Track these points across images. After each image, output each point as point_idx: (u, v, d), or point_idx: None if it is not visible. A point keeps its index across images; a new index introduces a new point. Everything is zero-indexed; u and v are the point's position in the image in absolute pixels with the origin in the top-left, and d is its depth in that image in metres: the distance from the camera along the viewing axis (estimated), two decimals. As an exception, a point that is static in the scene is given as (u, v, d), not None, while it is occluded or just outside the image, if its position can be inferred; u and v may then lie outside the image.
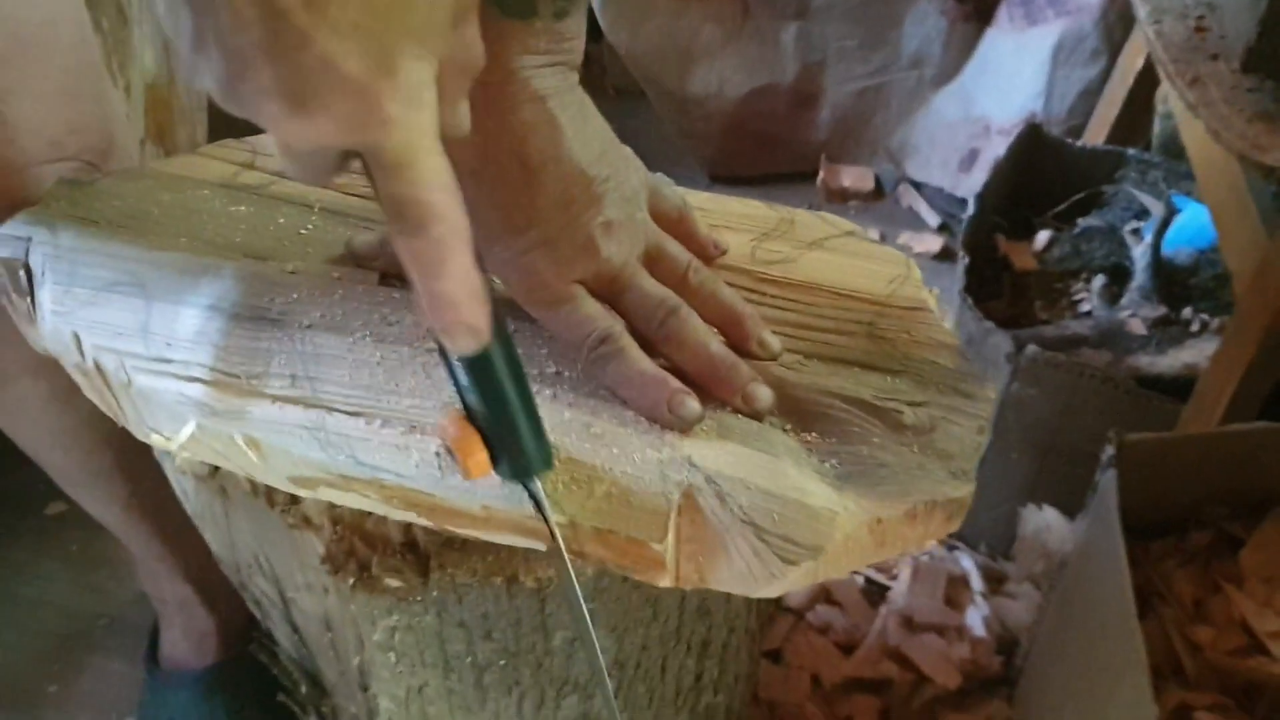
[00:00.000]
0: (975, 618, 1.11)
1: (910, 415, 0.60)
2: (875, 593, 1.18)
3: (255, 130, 0.77)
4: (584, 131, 0.59)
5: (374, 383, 0.58)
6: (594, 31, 1.64)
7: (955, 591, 1.15)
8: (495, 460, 0.52)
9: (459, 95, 0.48)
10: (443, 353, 0.50)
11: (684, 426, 0.57)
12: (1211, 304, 1.12)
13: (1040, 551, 1.07)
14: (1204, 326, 1.09)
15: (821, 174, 1.73)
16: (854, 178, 1.73)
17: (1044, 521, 1.07)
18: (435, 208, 0.44)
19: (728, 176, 1.75)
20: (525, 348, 0.61)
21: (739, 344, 0.62)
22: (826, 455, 0.57)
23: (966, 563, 1.18)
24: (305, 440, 0.55)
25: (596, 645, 0.55)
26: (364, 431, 0.55)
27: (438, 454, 0.54)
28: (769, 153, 1.74)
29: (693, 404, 0.57)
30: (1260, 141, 0.80)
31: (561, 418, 0.57)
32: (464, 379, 0.50)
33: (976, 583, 1.15)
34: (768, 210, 0.76)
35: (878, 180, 1.74)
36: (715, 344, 0.60)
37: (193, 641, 1.05)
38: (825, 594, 1.18)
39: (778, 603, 1.16)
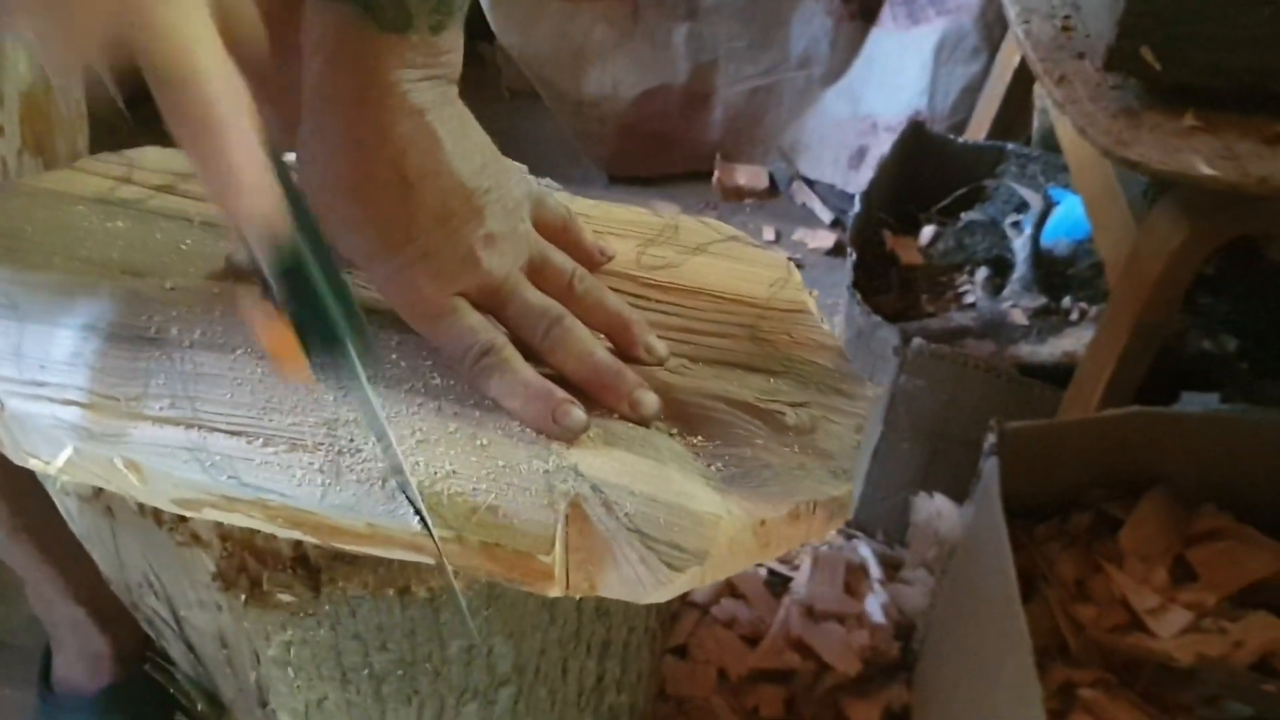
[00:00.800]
0: (874, 605, 1.14)
1: (792, 416, 0.62)
2: (778, 584, 1.20)
3: (135, 143, 0.77)
4: (464, 145, 0.59)
5: (255, 401, 0.58)
6: (487, 34, 1.64)
7: (855, 580, 1.17)
8: (309, 352, 0.51)
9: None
10: (247, 250, 0.50)
11: (570, 436, 0.57)
12: (1090, 293, 1.16)
13: (933, 538, 1.10)
14: (1083, 315, 1.13)
15: (717, 173, 1.75)
16: (748, 176, 1.75)
17: (935, 509, 1.10)
18: (202, 71, 0.44)
19: (625, 177, 1.77)
20: (409, 359, 0.61)
21: (626, 350, 0.63)
22: (712, 458, 0.58)
23: (865, 551, 1.20)
24: (187, 462, 0.54)
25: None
26: (246, 451, 0.55)
27: (320, 469, 0.55)
28: (665, 153, 1.75)
29: (578, 413, 0.57)
30: (1123, 137, 0.84)
31: (446, 430, 0.57)
32: (268, 271, 0.50)
33: (875, 571, 1.18)
34: (652, 216, 0.77)
35: (772, 178, 1.77)
36: (600, 351, 0.61)
37: (86, 664, 1.03)
38: (730, 588, 1.19)
39: (683, 598, 1.18)
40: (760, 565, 1.21)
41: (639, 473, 0.56)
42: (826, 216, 1.71)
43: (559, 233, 0.67)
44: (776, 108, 1.70)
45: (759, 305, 0.70)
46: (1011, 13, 0.98)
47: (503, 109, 1.81)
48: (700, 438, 0.60)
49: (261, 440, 0.56)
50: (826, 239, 1.68)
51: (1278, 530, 0.94)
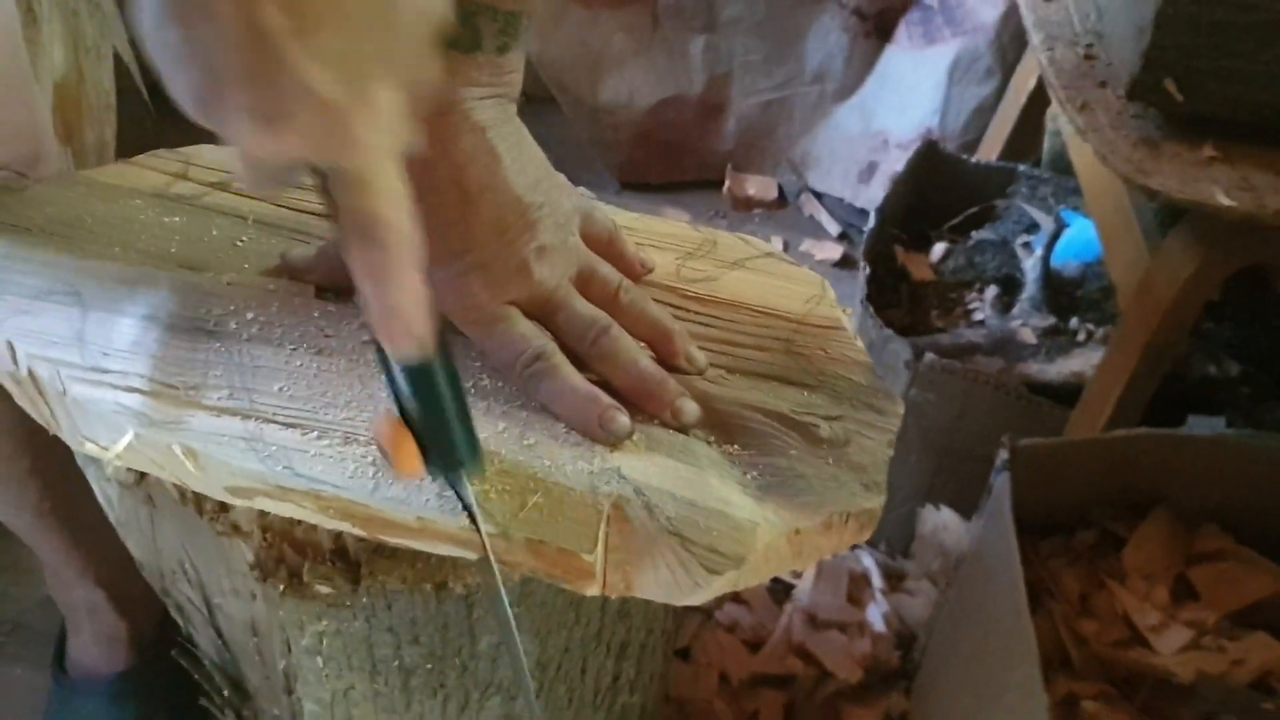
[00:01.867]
0: (875, 614, 1.16)
1: (826, 429, 0.63)
2: (781, 591, 1.22)
3: (183, 140, 0.78)
4: (520, 160, 0.61)
5: (311, 394, 0.59)
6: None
7: (857, 589, 1.19)
8: (427, 460, 0.53)
9: (417, 118, 0.51)
10: (383, 359, 0.52)
11: (614, 441, 0.59)
12: (1098, 315, 1.18)
13: (937, 550, 1.12)
14: (1090, 336, 1.16)
15: (728, 182, 1.77)
16: (758, 187, 1.77)
17: (941, 521, 1.12)
18: (392, 222, 0.46)
19: (637, 183, 1.79)
20: (460, 361, 0.63)
21: (667, 359, 0.65)
22: (748, 467, 0.60)
23: (868, 561, 1.22)
24: (243, 451, 0.56)
25: (520, 648, 0.57)
26: (301, 443, 0.57)
27: (373, 463, 0.56)
28: (677, 161, 1.77)
29: (623, 419, 0.59)
30: (1144, 166, 0.86)
31: (496, 429, 0.59)
32: (403, 386, 0.52)
33: (877, 580, 1.19)
34: (692, 231, 0.79)
35: (781, 190, 1.79)
36: (644, 360, 0.63)
37: (102, 647, 1.04)
38: (733, 593, 1.21)
39: (687, 602, 1.20)
40: (765, 571, 1.23)
41: (679, 478, 0.58)
42: (834, 229, 1.73)
43: (604, 245, 0.69)
44: (789, 121, 1.72)
45: (795, 320, 0.72)
46: (1035, 39, 1.01)
47: (519, 112, 1.82)
48: (737, 446, 0.61)
49: (316, 433, 0.57)
50: (834, 251, 1.70)
51: (1278, 553, 0.96)
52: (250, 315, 0.64)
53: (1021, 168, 1.34)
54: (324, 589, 0.62)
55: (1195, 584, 0.93)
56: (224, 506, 0.61)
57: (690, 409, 0.61)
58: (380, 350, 0.51)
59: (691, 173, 1.78)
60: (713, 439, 0.62)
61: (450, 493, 0.55)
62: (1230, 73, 0.86)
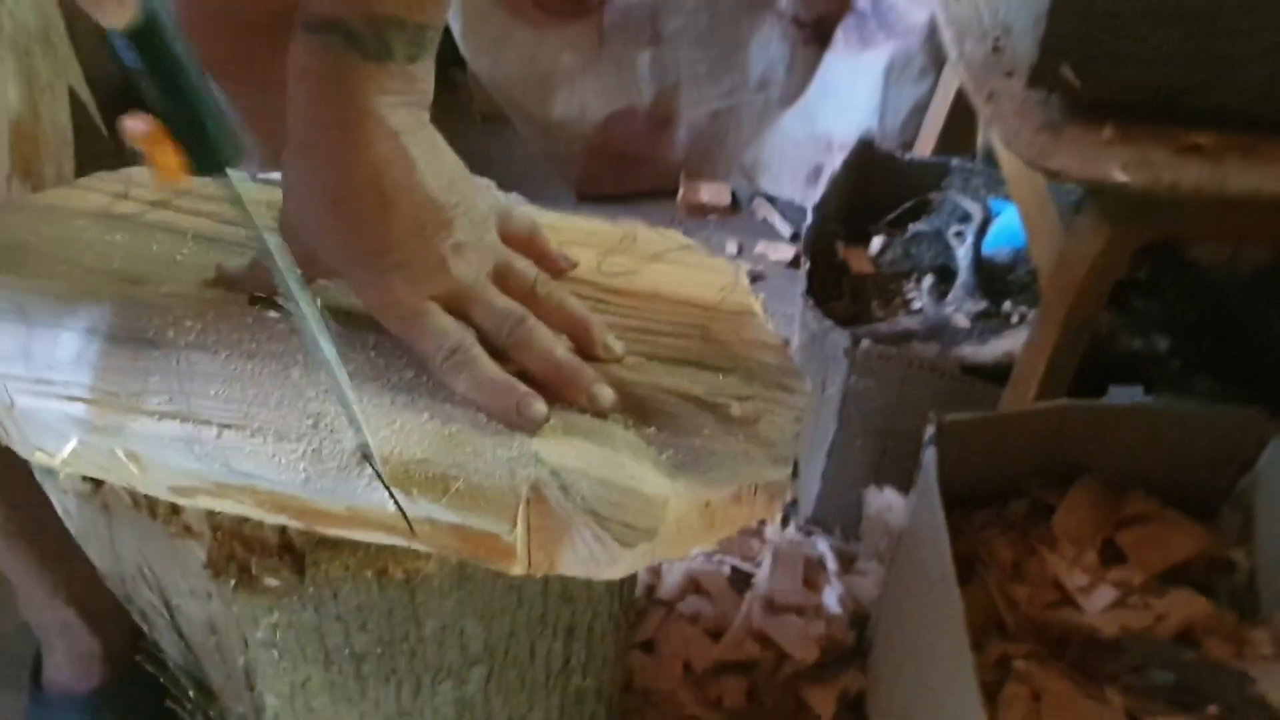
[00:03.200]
0: (831, 596, 1.19)
1: (737, 408, 0.67)
2: (741, 580, 1.25)
3: (127, 163, 0.82)
4: (434, 163, 0.65)
5: (244, 396, 0.63)
6: (459, 60, 1.70)
7: (813, 573, 1.23)
8: (190, 155, 0.56)
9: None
10: (114, 46, 0.53)
11: (532, 427, 0.63)
12: (1028, 297, 1.22)
13: (884, 530, 1.16)
14: (1022, 318, 1.20)
15: (681, 191, 1.81)
16: (712, 193, 1.82)
17: (885, 502, 1.16)
18: None
19: (594, 195, 1.83)
20: (385, 358, 0.67)
21: (585, 349, 0.69)
22: (663, 447, 0.64)
23: (822, 546, 1.26)
24: (182, 452, 0.60)
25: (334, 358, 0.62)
26: (236, 441, 0.60)
27: (303, 456, 0.60)
28: (631, 172, 1.81)
29: (539, 406, 0.63)
30: (1045, 149, 0.90)
31: (419, 421, 0.63)
32: (134, 63, 0.53)
33: (831, 564, 1.23)
34: (612, 227, 0.82)
35: (734, 195, 1.84)
36: (560, 349, 0.66)
37: (77, 665, 1.06)
38: (695, 585, 1.25)
39: (650, 595, 1.23)
40: (724, 563, 1.27)
41: (594, 459, 0.62)
42: (786, 231, 1.78)
43: (525, 243, 0.73)
44: (737, 128, 1.77)
45: (710, 308, 0.76)
46: (947, 35, 1.05)
47: (475, 132, 1.87)
48: (653, 428, 0.65)
49: (250, 432, 0.61)
50: (786, 252, 1.74)
51: (1201, 513, 1.00)
52: (188, 324, 0.67)
53: (954, 161, 1.39)
54: (273, 582, 0.65)
55: (1123, 547, 0.97)
56: (175, 509, 0.64)
57: (605, 394, 0.65)
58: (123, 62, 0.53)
59: (646, 183, 1.83)
60: (630, 422, 0.65)
61: (378, 482, 0.59)
62: (1124, 57, 0.90)
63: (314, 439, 0.61)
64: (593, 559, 0.59)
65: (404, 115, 0.64)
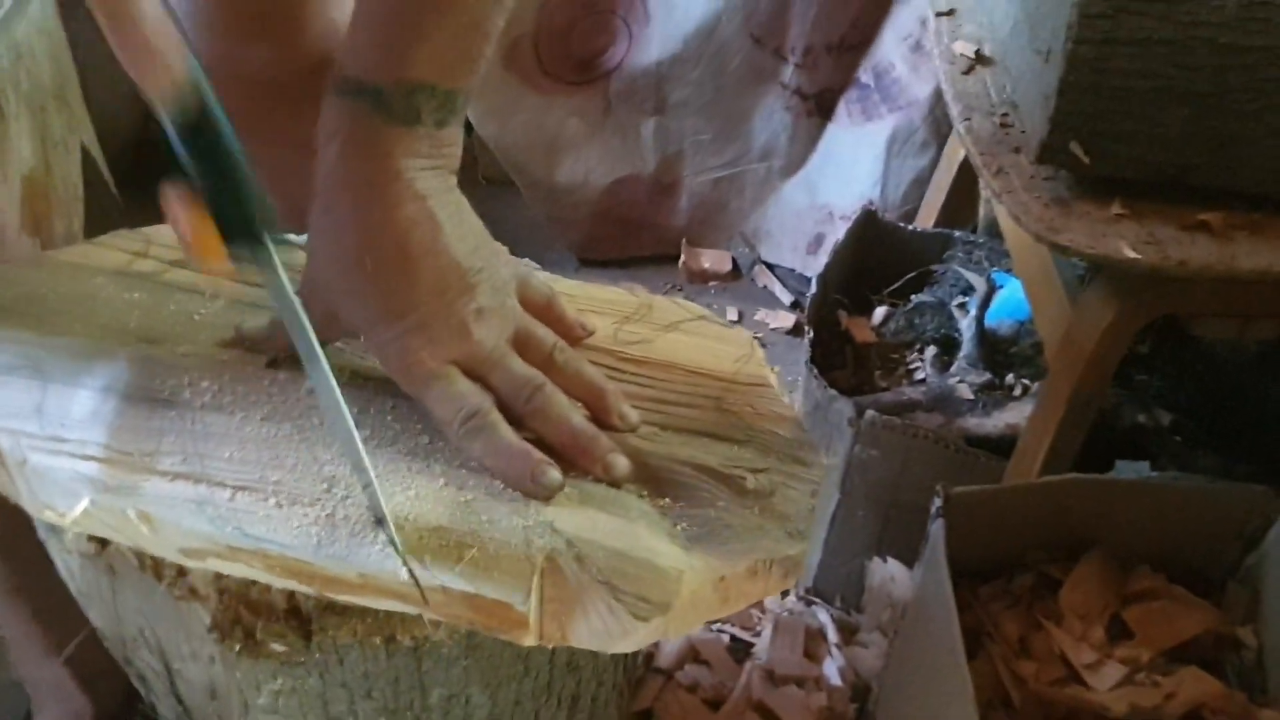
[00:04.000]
0: (831, 668, 1.18)
1: (753, 481, 0.67)
2: (740, 650, 1.24)
3: (144, 221, 0.82)
4: (460, 228, 0.65)
5: (259, 458, 0.62)
6: (465, 124, 1.71)
7: (813, 644, 1.22)
8: (224, 227, 0.56)
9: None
10: (164, 135, 0.54)
11: (546, 495, 0.62)
12: (1031, 370, 1.23)
13: (886, 601, 1.15)
14: (1025, 390, 1.20)
15: (683, 257, 1.82)
16: (713, 260, 1.83)
17: (888, 573, 1.15)
18: None
19: (596, 260, 1.84)
20: (402, 423, 0.67)
21: (600, 417, 0.68)
22: (678, 518, 0.63)
23: (823, 616, 1.25)
24: (194, 514, 0.59)
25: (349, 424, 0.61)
26: (249, 505, 0.60)
27: (316, 522, 0.59)
28: (634, 237, 1.82)
29: (554, 473, 0.63)
30: (1055, 225, 0.91)
31: (435, 487, 0.62)
32: (185, 154, 0.54)
33: (832, 635, 1.22)
34: (629, 296, 0.83)
35: (735, 262, 1.85)
36: (577, 418, 0.66)
37: (69, 724, 1.05)
38: (694, 654, 1.23)
39: (648, 663, 1.22)
40: (723, 632, 1.26)
41: (610, 530, 0.61)
42: (787, 299, 1.79)
43: (543, 309, 0.73)
44: (739, 196, 1.78)
45: (725, 379, 0.76)
46: (955, 110, 1.06)
47: (480, 194, 1.84)
48: (668, 500, 0.65)
49: (263, 495, 0.60)
50: (787, 320, 1.75)
51: (1207, 590, 1.00)
52: (204, 384, 0.67)
53: (957, 233, 1.40)
54: (278, 647, 0.64)
55: (1130, 623, 0.96)
56: (182, 571, 0.63)
57: (621, 464, 0.65)
58: (159, 116, 0.53)
59: (648, 248, 1.84)
60: (645, 493, 0.65)
61: (391, 549, 0.58)
62: (1132, 135, 0.91)
63: (328, 504, 0.61)
64: (606, 631, 0.58)
65: (431, 179, 0.64)
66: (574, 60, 1.66)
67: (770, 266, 1.83)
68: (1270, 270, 0.89)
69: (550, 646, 0.62)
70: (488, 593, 0.57)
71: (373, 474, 0.60)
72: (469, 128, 1.70)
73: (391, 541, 0.58)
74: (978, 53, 1.11)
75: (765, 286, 1.82)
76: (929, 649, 0.91)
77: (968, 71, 1.10)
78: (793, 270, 1.80)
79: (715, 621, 1.25)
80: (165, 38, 0.50)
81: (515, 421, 0.65)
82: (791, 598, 1.30)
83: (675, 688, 1.20)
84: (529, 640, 0.59)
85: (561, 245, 1.82)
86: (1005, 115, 1.04)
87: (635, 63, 1.66)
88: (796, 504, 0.66)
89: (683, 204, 1.79)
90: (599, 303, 0.81)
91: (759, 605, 1.30)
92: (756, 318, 1.76)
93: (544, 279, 0.76)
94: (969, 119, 1.04)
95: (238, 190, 0.56)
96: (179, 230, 0.56)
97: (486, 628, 0.59)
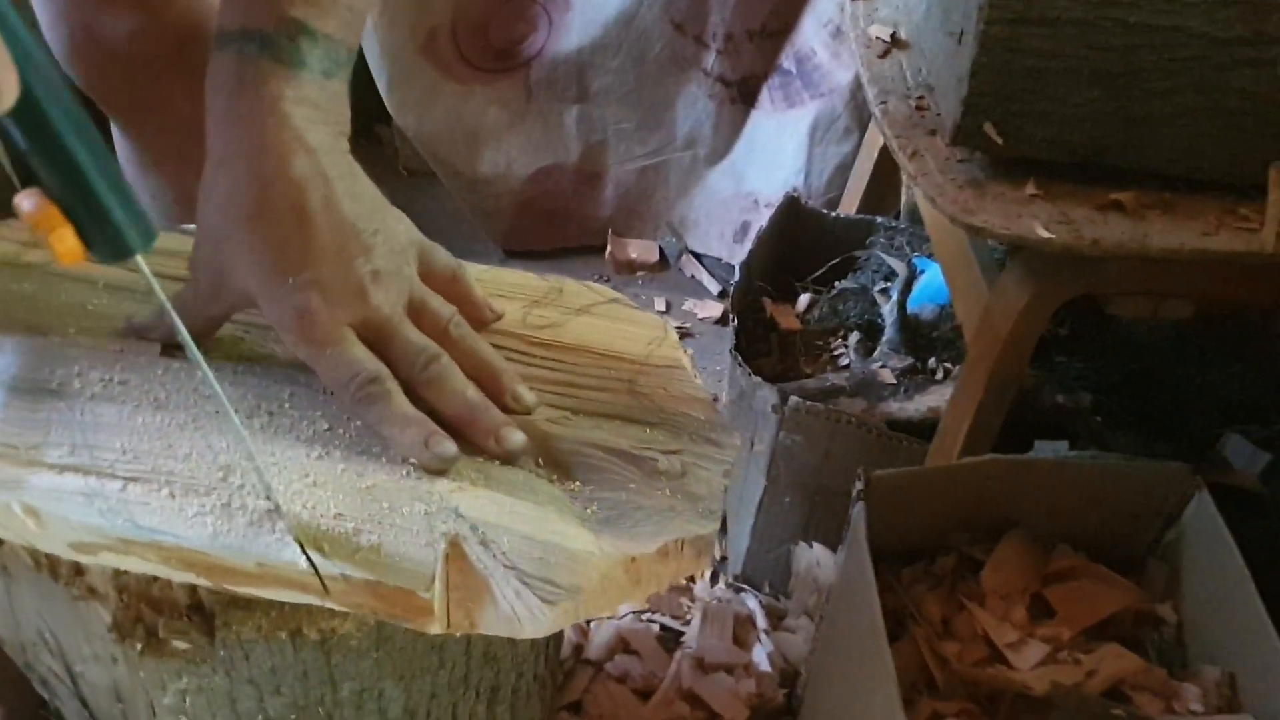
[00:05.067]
0: (761, 654, 1.18)
1: (664, 462, 0.67)
2: (670, 639, 1.23)
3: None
4: (354, 188, 0.65)
5: (152, 448, 0.61)
6: (385, 116, 1.69)
7: (742, 631, 1.21)
8: (90, 241, 0.52)
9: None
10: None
11: (441, 465, 0.62)
12: (953, 353, 1.23)
13: (813, 586, 1.15)
14: (946, 374, 1.21)
15: (609, 247, 1.81)
16: (640, 250, 1.82)
17: (814, 558, 1.15)
18: None
19: (521, 251, 1.82)
20: (299, 409, 0.65)
21: (494, 397, 0.67)
22: (588, 502, 0.63)
23: (751, 603, 1.25)
24: (84, 506, 0.57)
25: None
26: (141, 496, 0.58)
27: (212, 511, 0.58)
28: (559, 228, 1.81)
29: (449, 444, 0.62)
30: (969, 206, 0.91)
31: (334, 473, 0.61)
32: (22, 144, 0.49)
33: (761, 621, 1.22)
34: (538, 280, 0.82)
35: (662, 252, 1.84)
36: (471, 390, 0.65)
37: (-25, 737, 1.02)
38: (624, 644, 1.22)
39: (578, 655, 1.21)
40: (653, 621, 1.25)
41: (517, 514, 0.61)
42: (714, 288, 1.78)
43: (448, 283, 0.72)
44: (665, 186, 1.78)
45: (637, 362, 0.75)
46: (871, 94, 1.06)
47: (401, 187, 1.85)
48: (578, 483, 0.64)
49: (156, 485, 0.59)
50: (714, 309, 1.74)
51: (1127, 567, 1.01)
52: (95, 375, 0.65)
53: (879, 219, 1.40)
54: (181, 645, 0.63)
55: (1051, 602, 0.96)
56: (79, 570, 0.62)
57: (515, 438, 0.64)
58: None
59: (574, 239, 1.82)
60: (554, 477, 0.65)
61: (289, 537, 0.56)
62: (1045, 115, 0.92)
63: (224, 493, 0.59)
64: (515, 617, 0.57)
65: (322, 133, 0.63)
66: (493, 49, 1.64)
67: (698, 256, 1.83)
68: (1182, 249, 0.89)
69: (461, 635, 0.61)
70: (389, 580, 0.56)
71: (260, 462, 0.58)
72: (388, 120, 1.68)
73: (289, 530, 0.56)
74: (893, 36, 1.11)
75: (693, 276, 1.81)
76: (852, 633, 0.90)
77: (884, 55, 1.10)
78: (720, 259, 1.80)
79: (645, 611, 1.25)
80: None
81: (408, 391, 0.64)
82: (720, 585, 1.30)
83: (605, 679, 1.19)
84: (435, 628, 0.58)
85: (486, 237, 1.80)
86: (921, 98, 1.04)
87: (556, 50, 1.65)
88: (708, 484, 0.66)
89: (608, 194, 1.78)
90: (508, 287, 0.80)
91: (689, 594, 1.29)
92: (684, 307, 1.76)
93: (450, 255, 0.74)
94: (885, 102, 1.04)
95: (102, 207, 0.52)
96: (30, 227, 0.52)
97: (390, 616, 0.58)
